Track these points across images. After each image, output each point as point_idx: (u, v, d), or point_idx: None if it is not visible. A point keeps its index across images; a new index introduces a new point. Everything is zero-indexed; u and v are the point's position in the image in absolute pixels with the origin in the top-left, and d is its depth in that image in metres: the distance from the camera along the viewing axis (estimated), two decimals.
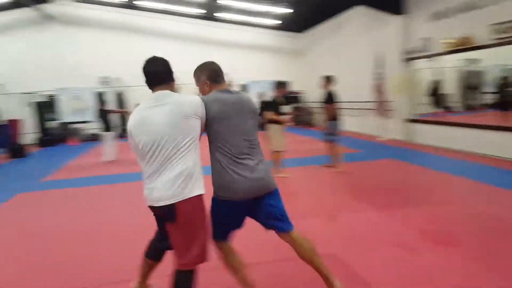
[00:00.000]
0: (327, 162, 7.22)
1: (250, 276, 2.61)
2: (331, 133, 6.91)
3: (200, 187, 2.15)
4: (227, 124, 2.32)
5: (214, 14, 15.59)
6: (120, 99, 15.32)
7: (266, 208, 2.44)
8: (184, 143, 2.11)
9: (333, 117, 6.86)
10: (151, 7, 15.40)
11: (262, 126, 6.52)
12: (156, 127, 2.10)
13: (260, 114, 6.82)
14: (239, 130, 2.35)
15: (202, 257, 2.16)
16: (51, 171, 8.67)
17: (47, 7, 14.76)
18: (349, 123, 12.05)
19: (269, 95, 7.02)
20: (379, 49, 10.75)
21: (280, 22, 15.74)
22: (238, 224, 2.52)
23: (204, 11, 15.34)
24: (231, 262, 2.54)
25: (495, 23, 7.07)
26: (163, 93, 2.23)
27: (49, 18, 14.92)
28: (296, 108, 16.41)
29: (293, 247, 2.54)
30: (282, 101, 6.73)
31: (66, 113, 15.04)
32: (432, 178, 6.13)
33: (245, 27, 16.49)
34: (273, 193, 2.47)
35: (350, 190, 5.69)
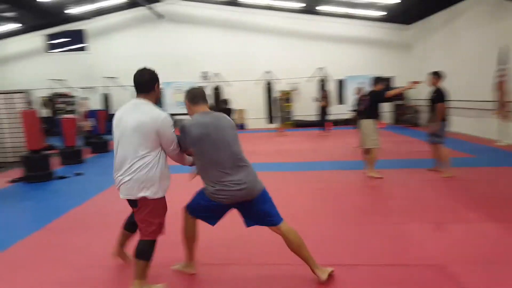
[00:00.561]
0: (432, 166, 6.53)
1: (196, 252, 3.00)
2: (438, 135, 6.17)
3: (151, 191, 2.55)
4: (209, 142, 2.64)
5: (315, 8, 15.29)
6: (217, 94, 16.08)
7: (254, 211, 2.78)
8: (141, 150, 2.51)
9: (441, 117, 6.18)
10: (252, 3, 15.69)
11: (355, 122, 6.25)
12: (125, 128, 2.55)
13: (359, 109, 6.51)
14: (222, 145, 2.66)
15: (155, 233, 2.68)
16: None
17: (157, 6, 16.14)
18: (461, 124, 10.86)
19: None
20: (502, 42, 9.40)
21: (385, 13, 14.77)
22: (217, 217, 2.88)
23: (303, 5, 15.19)
24: (189, 232, 2.91)
25: None
26: (141, 102, 2.64)
27: (159, 16, 16.26)
28: (398, 106, 15.37)
29: (283, 239, 2.82)
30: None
31: (170, 105, 16.37)
32: None
33: (345, 20, 15.86)
34: (260, 196, 2.76)
35: (458, 197, 4.96)
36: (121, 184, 2.57)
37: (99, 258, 3.42)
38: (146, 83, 2.67)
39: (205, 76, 16.32)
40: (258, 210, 2.78)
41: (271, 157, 8.68)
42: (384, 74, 15.09)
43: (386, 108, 15.02)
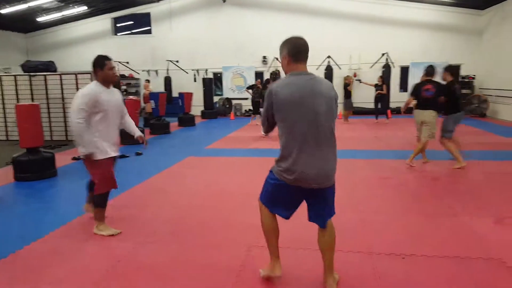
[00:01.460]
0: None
1: (279, 247, 2.58)
2: (444, 129, 5.97)
3: (82, 149, 3.34)
4: (297, 108, 2.24)
5: None
6: (275, 79, 15.75)
7: (322, 205, 2.42)
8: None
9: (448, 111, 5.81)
10: None
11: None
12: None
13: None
14: (311, 114, 2.24)
15: (98, 188, 3.47)
16: (213, 140, 9.49)
17: None
18: None
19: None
20: None
21: None
22: (288, 208, 2.48)
23: None
24: (266, 224, 2.54)
25: None
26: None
27: (223, 0, 16.23)
28: (464, 96, 14.09)
29: (321, 234, 2.49)
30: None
31: (229, 89, 16.43)
32: None
33: (413, 4, 14.74)
34: (331, 189, 2.41)
35: None
36: None
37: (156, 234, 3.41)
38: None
39: (264, 61, 16.09)
40: (325, 205, 2.43)
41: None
42: (451, 61, 13.98)
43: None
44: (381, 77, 12.58)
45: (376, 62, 15.00)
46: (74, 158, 7.22)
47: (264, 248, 2.71)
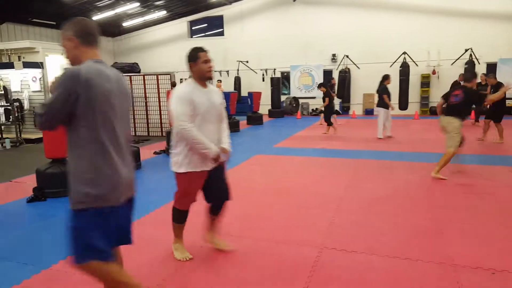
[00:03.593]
0: None
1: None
2: None
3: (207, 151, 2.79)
4: (110, 104, 1.77)
5: None
6: (344, 77, 15.40)
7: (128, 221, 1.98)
8: None
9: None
10: None
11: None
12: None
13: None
14: (124, 112, 1.90)
15: (177, 202, 3.00)
16: (281, 139, 9.59)
17: None
18: None
19: None
20: None
21: None
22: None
23: None
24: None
25: None
26: None
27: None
28: None
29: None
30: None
31: (296, 88, 16.43)
32: None
33: None
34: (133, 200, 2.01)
35: None
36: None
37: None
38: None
39: (334, 58, 15.82)
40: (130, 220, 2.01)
41: (406, 146, 7.96)
42: None
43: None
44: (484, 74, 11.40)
45: (458, 59, 13.89)
46: (155, 153, 7.83)
47: (335, 251, 2.70)
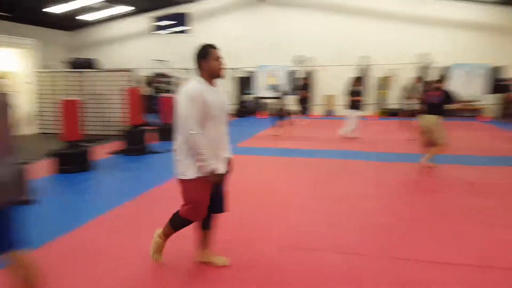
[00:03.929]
0: None
1: None
2: None
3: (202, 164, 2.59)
4: None
5: None
6: (308, 78, 15.67)
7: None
8: None
9: None
10: None
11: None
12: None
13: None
14: None
15: (187, 212, 2.71)
16: (244, 138, 9.60)
17: None
18: None
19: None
20: None
21: None
22: None
23: None
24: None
25: None
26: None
27: (261, 0, 16.31)
28: (506, 98, 13.64)
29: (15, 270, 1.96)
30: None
31: (261, 88, 16.50)
32: None
33: (457, 3, 14.19)
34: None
35: None
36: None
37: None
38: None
39: (299, 60, 16.06)
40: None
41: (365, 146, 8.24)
42: (496, 63, 13.38)
43: (489, 101, 13.97)
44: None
45: (414, 63, 14.54)
46: (112, 153, 7.56)
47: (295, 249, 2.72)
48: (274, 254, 3.11)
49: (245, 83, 16.54)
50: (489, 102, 14.01)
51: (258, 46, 16.46)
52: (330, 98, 15.91)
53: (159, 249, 2.91)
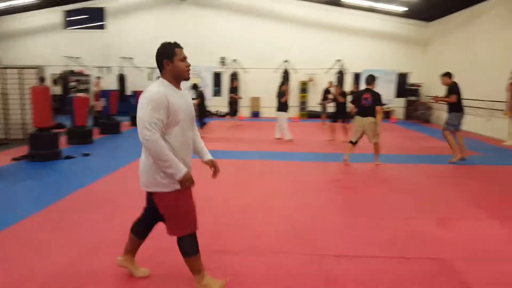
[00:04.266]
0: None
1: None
2: (449, 123, 6.96)
3: (171, 171, 2.35)
4: None
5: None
6: (233, 80, 15.72)
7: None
8: None
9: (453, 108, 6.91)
10: None
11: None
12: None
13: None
14: None
15: (182, 228, 2.51)
16: None
17: None
18: (472, 123, 10.81)
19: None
20: None
21: (407, 9, 14.25)
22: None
23: None
24: None
25: None
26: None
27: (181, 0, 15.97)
28: (411, 102, 15.33)
29: None
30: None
31: (184, 89, 16.13)
32: None
33: (367, 13, 15.40)
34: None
35: (463, 194, 5.09)
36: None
37: (103, 240, 3.26)
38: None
39: (223, 61, 16.05)
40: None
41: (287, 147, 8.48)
42: (401, 69, 14.86)
43: (397, 104, 15.40)
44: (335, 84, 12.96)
45: (330, 68, 15.46)
46: (14, 159, 6.78)
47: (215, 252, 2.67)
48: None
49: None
50: (397, 105, 15.41)
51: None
52: (254, 100, 16.19)
53: (211, 280, 2.59)
